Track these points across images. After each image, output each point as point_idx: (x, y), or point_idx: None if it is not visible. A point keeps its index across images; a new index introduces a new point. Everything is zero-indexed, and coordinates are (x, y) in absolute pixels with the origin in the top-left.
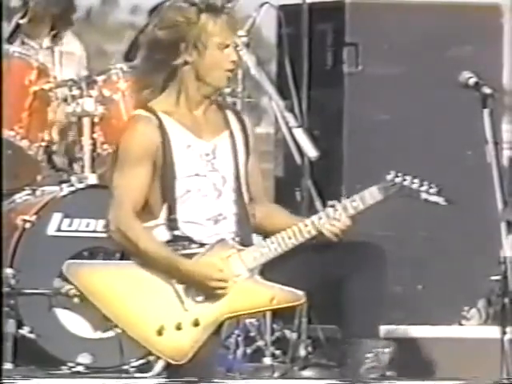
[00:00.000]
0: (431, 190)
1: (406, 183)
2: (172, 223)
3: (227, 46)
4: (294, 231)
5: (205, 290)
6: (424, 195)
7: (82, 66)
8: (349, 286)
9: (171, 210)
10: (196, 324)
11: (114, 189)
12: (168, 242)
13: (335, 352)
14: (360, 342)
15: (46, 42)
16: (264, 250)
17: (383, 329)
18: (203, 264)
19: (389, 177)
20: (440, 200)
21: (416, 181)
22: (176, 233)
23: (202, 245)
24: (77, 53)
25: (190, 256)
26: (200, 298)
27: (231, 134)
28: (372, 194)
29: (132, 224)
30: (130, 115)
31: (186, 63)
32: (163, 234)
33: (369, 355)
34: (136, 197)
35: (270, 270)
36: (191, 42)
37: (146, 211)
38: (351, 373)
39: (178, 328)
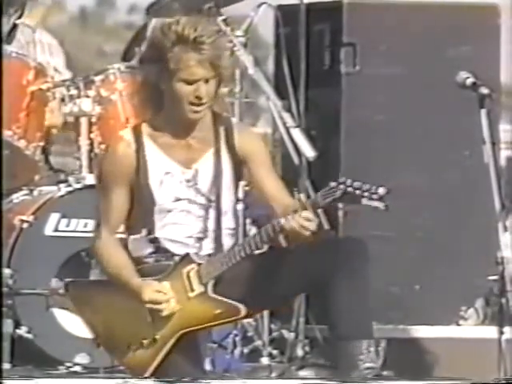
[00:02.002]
0: (373, 196)
1: (349, 189)
2: (153, 240)
3: (192, 82)
4: (244, 244)
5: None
6: (365, 201)
7: (61, 55)
8: (334, 285)
9: (150, 231)
10: (154, 340)
11: (97, 207)
12: (151, 253)
13: (332, 352)
14: (350, 343)
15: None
16: (216, 264)
17: (378, 328)
18: (143, 284)
19: (332, 184)
20: (381, 205)
21: (357, 185)
22: (158, 245)
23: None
24: (53, 43)
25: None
26: (158, 316)
27: (217, 151)
28: (316, 199)
29: (104, 243)
30: (116, 135)
31: (170, 89)
32: (146, 247)
33: (361, 357)
34: (113, 219)
35: (257, 271)
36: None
37: (131, 225)
38: (347, 373)
39: (141, 344)
